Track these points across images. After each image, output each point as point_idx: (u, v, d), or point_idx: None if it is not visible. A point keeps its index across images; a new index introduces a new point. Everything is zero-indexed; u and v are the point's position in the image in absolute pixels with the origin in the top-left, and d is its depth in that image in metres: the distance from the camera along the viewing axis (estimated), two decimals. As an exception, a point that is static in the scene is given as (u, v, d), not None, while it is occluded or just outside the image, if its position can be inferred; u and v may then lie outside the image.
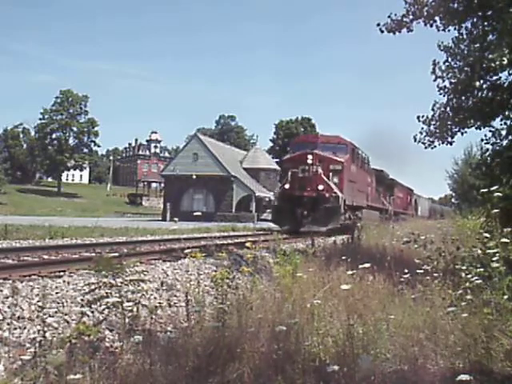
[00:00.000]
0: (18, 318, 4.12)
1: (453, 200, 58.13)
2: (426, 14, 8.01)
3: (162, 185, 52.45)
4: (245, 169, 45.01)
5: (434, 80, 8.37)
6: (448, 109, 8.45)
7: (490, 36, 7.85)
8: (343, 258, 6.48)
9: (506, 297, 3.61)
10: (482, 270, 4.19)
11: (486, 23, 7.93)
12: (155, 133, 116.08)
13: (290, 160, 20.38)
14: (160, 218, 39.48)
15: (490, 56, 6.97)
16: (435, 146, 8.75)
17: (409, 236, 9.97)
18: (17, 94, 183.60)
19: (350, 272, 4.82)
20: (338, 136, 21.25)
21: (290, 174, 18.90)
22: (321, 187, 18.22)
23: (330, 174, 18.91)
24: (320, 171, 18.56)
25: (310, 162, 18.49)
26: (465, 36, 8.17)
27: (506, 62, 6.87)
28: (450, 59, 8.28)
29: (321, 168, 18.65)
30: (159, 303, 5.04)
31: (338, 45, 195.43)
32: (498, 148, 8.23)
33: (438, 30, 8.16)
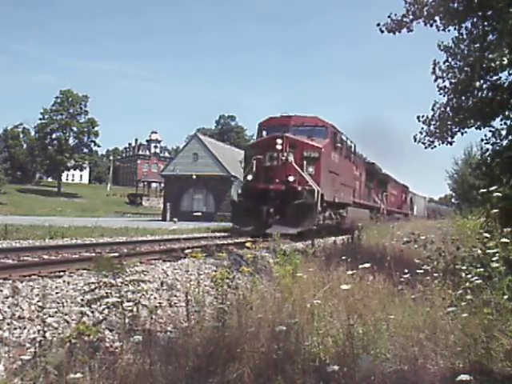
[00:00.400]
0: (18, 317, 4.12)
1: (453, 200, 58.00)
2: (426, 13, 8.02)
3: (162, 185, 52.45)
4: (245, 169, 44.89)
5: (435, 80, 8.39)
6: (448, 109, 8.46)
7: (490, 36, 7.86)
8: (343, 257, 6.48)
9: (506, 297, 3.61)
10: (481, 270, 4.19)
11: (486, 23, 7.94)
12: (155, 133, 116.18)
13: (255, 146, 16.93)
14: (160, 218, 39.49)
15: (491, 56, 6.98)
16: (435, 146, 8.76)
17: (409, 236, 9.97)
18: (17, 94, 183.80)
19: (350, 272, 4.82)
20: (315, 117, 17.19)
21: (254, 162, 15.51)
22: (291, 178, 14.85)
23: (304, 162, 15.34)
24: (291, 159, 15.15)
25: (279, 147, 15.04)
26: (465, 36, 8.18)
27: (506, 62, 6.88)
28: (450, 59, 8.29)
29: (292, 155, 15.22)
30: (159, 303, 5.04)
31: (338, 45, 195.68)
32: (497, 148, 8.24)
33: (438, 30, 8.17)
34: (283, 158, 15.17)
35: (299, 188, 14.84)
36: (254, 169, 15.49)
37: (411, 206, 44.20)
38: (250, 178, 15.57)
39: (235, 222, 16.09)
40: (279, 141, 15.11)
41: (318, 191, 14.92)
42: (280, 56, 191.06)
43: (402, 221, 30.69)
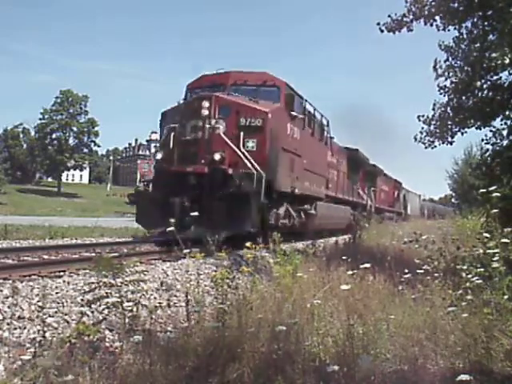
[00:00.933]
0: (18, 317, 4.12)
1: (453, 200, 57.93)
2: (426, 13, 8.02)
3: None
4: (245, 169, 44.60)
5: (436, 78, 8.39)
6: (448, 109, 8.46)
7: (491, 36, 7.87)
8: (344, 258, 6.48)
9: (506, 297, 3.62)
10: (482, 270, 4.19)
11: (486, 23, 7.94)
12: (155, 133, 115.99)
13: (173, 112, 11.46)
14: (160, 218, 39.30)
15: (493, 55, 6.97)
16: (435, 146, 8.77)
17: (409, 236, 9.98)
18: (17, 94, 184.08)
19: (350, 272, 4.82)
20: (263, 72, 12.09)
21: (168, 135, 10.91)
22: (217, 157, 10.18)
23: (241, 133, 10.47)
24: (221, 128, 10.43)
25: (205, 112, 10.38)
26: (465, 36, 8.18)
27: (507, 62, 6.87)
28: (450, 58, 8.30)
29: (224, 124, 10.51)
30: (159, 303, 5.04)
31: (338, 45, 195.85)
32: (498, 148, 8.26)
33: (438, 30, 8.17)
34: (210, 128, 10.46)
35: (230, 171, 10.16)
36: (168, 144, 10.85)
37: (405, 203, 39.33)
38: (159, 156, 11.18)
39: (140, 220, 11.22)
40: (206, 103, 10.49)
41: (260, 176, 10.06)
42: (280, 56, 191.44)
43: (395, 221, 27.22)
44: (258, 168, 10.18)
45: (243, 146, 10.47)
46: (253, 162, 10.23)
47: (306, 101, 13.60)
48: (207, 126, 10.49)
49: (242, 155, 10.27)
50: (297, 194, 12.56)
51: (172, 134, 10.80)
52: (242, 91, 11.50)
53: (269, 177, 10.43)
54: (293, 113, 12.11)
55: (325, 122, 15.95)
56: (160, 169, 11.13)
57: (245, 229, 9.68)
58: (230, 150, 10.36)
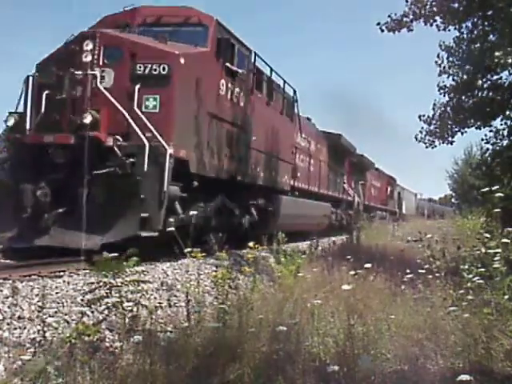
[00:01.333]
0: (18, 318, 4.12)
1: (453, 200, 57.83)
2: (426, 13, 8.03)
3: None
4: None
5: (439, 75, 8.43)
6: (448, 108, 8.48)
7: (491, 36, 7.89)
8: (346, 258, 6.48)
9: (506, 297, 3.62)
10: (482, 269, 4.19)
11: (486, 23, 7.96)
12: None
13: (50, 62, 7.57)
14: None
15: (496, 53, 6.98)
16: (436, 146, 8.80)
17: (411, 236, 9.99)
18: (17, 94, 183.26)
19: (351, 272, 4.83)
20: (186, 7, 8.52)
21: (33, 92, 7.55)
22: (87, 119, 6.70)
23: (137, 87, 6.96)
24: (103, 79, 7.09)
25: (86, 58, 7.05)
26: (465, 36, 8.20)
27: (510, 61, 6.88)
28: (451, 59, 8.32)
29: (113, 73, 7.18)
30: (159, 303, 5.04)
31: (338, 45, 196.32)
32: (498, 148, 8.27)
33: (439, 30, 8.20)
34: (87, 78, 7.06)
35: (109, 141, 6.80)
36: (39, 108, 7.31)
37: (399, 202, 35.76)
38: (11, 122, 7.52)
39: None
40: (88, 45, 7.13)
41: (158, 149, 6.73)
42: (279, 56, 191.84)
43: (392, 221, 24.10)
44: (160, 138, 6.74)
45: (139, 105, 6.99)
46: (153, 129, 6.76)
47: (257, 55, 9.73)
48: (80, 76, 7.03)
49: (130, 118, 6.79)
50: (240, 182, 9.24)
51: (44, 92, 7.26)
52: (154, 32, 7.96)
53: (181, 153, 7.24)
54: (230, 66, 8.58)
55: (290, 92, 11.98)
56: (12, 141, 7.62)
57: (129, 232, 6.41)
58: (113, 110, 6.90)
